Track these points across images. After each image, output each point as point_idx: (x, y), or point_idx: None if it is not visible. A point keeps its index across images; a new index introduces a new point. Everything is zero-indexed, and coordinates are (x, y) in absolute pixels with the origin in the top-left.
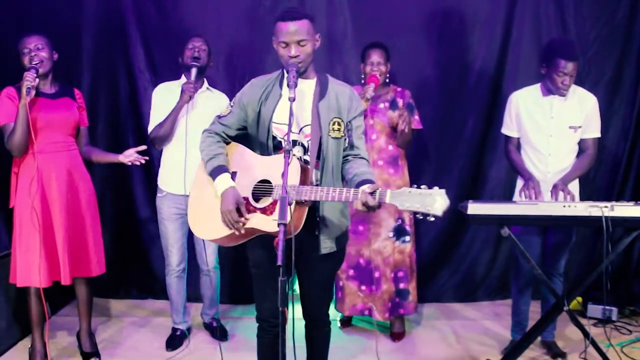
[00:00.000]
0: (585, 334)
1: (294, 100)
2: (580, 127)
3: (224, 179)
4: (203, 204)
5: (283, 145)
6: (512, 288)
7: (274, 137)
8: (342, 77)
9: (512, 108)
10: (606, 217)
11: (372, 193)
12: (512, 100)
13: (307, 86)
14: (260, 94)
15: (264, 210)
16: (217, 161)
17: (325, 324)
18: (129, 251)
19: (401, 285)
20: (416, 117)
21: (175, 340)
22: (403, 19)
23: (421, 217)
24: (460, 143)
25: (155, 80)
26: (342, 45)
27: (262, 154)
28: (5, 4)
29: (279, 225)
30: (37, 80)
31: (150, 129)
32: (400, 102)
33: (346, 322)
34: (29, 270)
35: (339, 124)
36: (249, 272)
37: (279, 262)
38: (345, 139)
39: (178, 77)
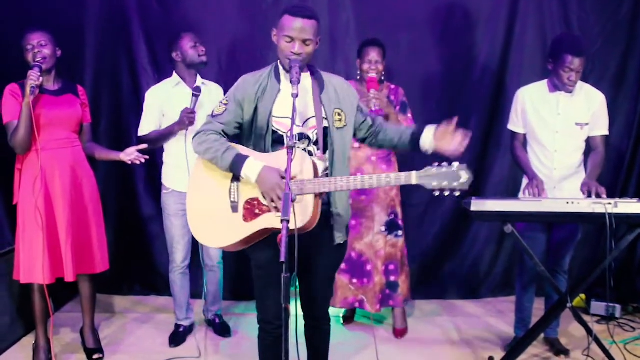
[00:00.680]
0: (589, 331)
1: (297, 96)
2: (587, 124)
3: (252, 164)
4: (206, 210)
5: (284, 139)
6: (516, 285)
7: (274, 132)
8: (344, 73)
9: (519, 104)
10: (610, 214)
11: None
12: (519, 96)
13: (304, 79)
14: (256, 89)
15: (278, 208)
16: (234, 151)
17: (326, 322)
18: (132, 248)
19: (392, 278)
20: (409, 115)
21: (178, 337)
22: (406, 15)
23: (447, 194)
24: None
25: (158, 77)
26: (345, 41)
27: (259, 149)
28: (8, 0)
29: (282, 221)
30: (41, 79)
31: (140, 131)
32: (393, 99)
33: (349, 319)
34: (33, 266)
35: (339, 114)
36: (251, 268)
37: (282, 259)
38: (363, 120)
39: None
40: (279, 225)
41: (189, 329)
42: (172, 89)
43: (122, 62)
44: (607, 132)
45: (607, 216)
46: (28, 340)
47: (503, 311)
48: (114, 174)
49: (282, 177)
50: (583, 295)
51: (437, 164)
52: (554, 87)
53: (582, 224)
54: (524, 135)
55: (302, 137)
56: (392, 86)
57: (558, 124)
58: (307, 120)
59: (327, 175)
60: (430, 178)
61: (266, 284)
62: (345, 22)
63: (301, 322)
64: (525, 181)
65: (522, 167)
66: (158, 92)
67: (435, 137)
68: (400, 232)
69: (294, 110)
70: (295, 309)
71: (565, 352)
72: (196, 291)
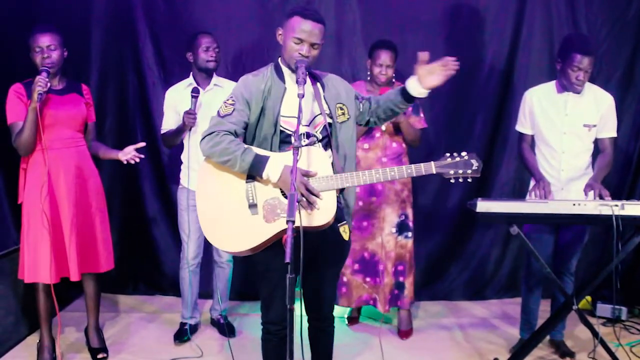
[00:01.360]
0: (595, 334)
1: (303, 96)
2: (594, 125)
3: (274, 164)
4: (222, 215)
5: (292, 138)
6: (522, 286)
7: (282, 132)
8: (350, 74)
9: (526, 105)
10: (616, 216)
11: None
12: (526, 97)
13: (307, 80)
14: (262, 88)
15: (310, 205)
16: (252, 152)
17: (330, 323)
18: (138, 247)
19: (400, 279)
20: (421, 115)
21: (182, 335)
22: (413, 16)
23: (461, 180)
24: (470, 140)
25: (164, 76)
26: (351, 41)
27: (265, 148)
28: None
29: (287, 222)
30: (49, 84)
31: (162, 129)
32: None
33: (354, 319)
34: (37, 266)
35: (342, 108)
36: (255, 270)
37: (287, 260)
38: (349, 119)
39: (187, 73)
40: (305, 223)
41: (194, 328)
42: (184, 90)
43: (128, 61)
44: (615, 134)
45: (613, 218)
46: (32, 340)
47: (508, 313)
48: (119, 173)
49: (304, 175)
50: (589, 298)
51: (448, 154)
52: (562, 88)
53: (588, 226)
54: (532, 136)
55: (309, 136)
56: None
57: (566, 124)
58: (313, 119)
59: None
60: (447, 167)
61: (274, 287)
62: (351, 23)
63: (305, 323)
64: (532, 183)
65: (529, 168)
66: (173, 93)
67: (421, 80)
68: (409, 234)
69: (300, 110)
70: (300, 310)
71: (571, 355)
72: (203, 291)
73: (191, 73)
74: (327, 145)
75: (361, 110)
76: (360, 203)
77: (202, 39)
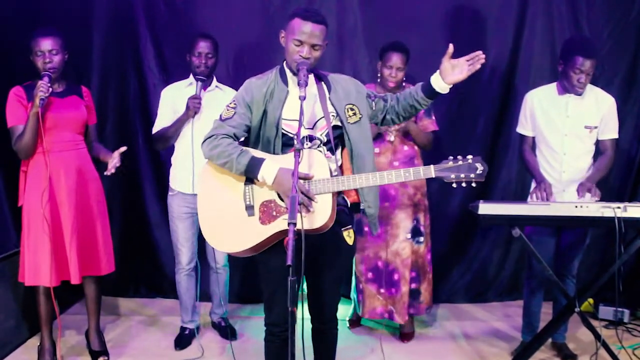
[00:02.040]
0: (597, 336)
1: (304, 98)
2: (596, 127)
3: (268, 166)
4: (220, 215)
5: (295, 142)
6: (524, 289)
7: (284, 134)
8: (352, 75)
9: (527, 107)
10: (619, 218)
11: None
12: (527, 99)
13: (311, 81)
14: (264, 91)
15: (305, 208)
16: (249, 154)
17: (334, 326)
18: (138, 250)
19: (413, 286)
20: (432, 118)
21: (183, 340)
22: (414, 17)
23: (464, 185)
24: (472, 142)
25: (165, 78)
26: (352, 43)
27: (267, 151)
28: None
29: (289, 224)
30: (51, 89)
31: (154, 129)
32: None
33: (355, 322)
34: (38, 269)
35: (352, 109)
36: (258, 272)
37: (289, 262)
38: (362, 119)
39: (188, 75)
40: (299, 226)
41: (195, 332)
42: (184, 89)
43: (129, 63)
44: (616, 136)
45: (616, 220)
46: (33, 342)
47: (510, 315)
48: (120, 176)
49: (299, 178)
50: (591, 300)
51: (452, 157)
52: (564, 90)
53: (590, 228)
54: (533, 138)
55: (312, 139)
56: None
57: (567, 126)
58: (316, 122)
59: (337, 175)
60: (448, 171)
61: (275, 288)
62: (353, 24)
63: (308, 326)
64: (533, 185)
65: (530, 170)
66: (171, 91)
67: (444, 75)
68: (422, 239)
69: (302, 112)
70: (302, 313)
71: (573, 357)
72: (202, 294)
73: (191, 73)
74: (335, 148)
75: (374, 109)
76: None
77: (198, 43)
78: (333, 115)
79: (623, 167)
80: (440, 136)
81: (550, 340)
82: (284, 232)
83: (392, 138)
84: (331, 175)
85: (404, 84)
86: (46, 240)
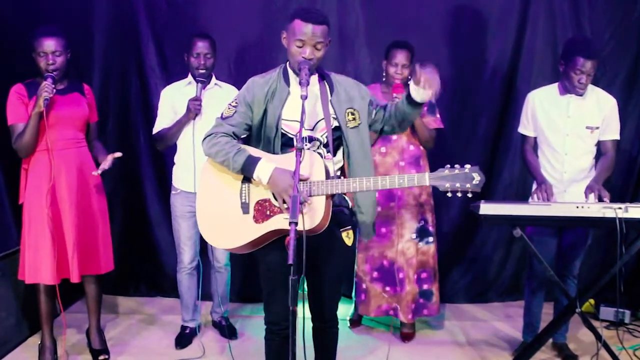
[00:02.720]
0: (598, 337)
1: (306, 98)
2: (597, 127)
3: (264, 165)
4: (216, 212)
5: (294, 142)
6: (525, 289)
7: (283, 134)
8: (354, 75)
9: (529, 107)
10: (620, 219)
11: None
12: (529, 100)
13: (313, 82)
14: (266, 91)
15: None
16: (245, 153)
17: (334, 325)
18: (139, 249)
19: (425, 287)
20: (437, 115)
21: (184, 339)
22: (416, 17)
23: (459, 195)
24: (473, 143)
25: (166, 77)
26: (354, 43)
27: (268, 152)
28: None
29: (290, 224)
30: (55, 90)
31: (154, 129)
32: None
33: (356, 322)
34: (38, 267)
35: (352, 114)
36: (258, 271)
37: (290, 261)
38: (361, 125)
39: (187, 75)
40: (299, 227)
41: (195, 331)
42: (183, 88)
43: (130, 62)
44: (617, 137)
45: (617, 221)
46: (33, 341)
47: (511, 316)
48: (121, 175)
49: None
50: (592, 301)
51: (448, 166)
52: (565, 90)
53: (591, 229)
54: (535, 138)
55: (312, 139)
56: None
57: (568, 126)
58: (317, 123)
59: (339, 177)
60: (443, 179)
61: (275, 286)
62: (354, 24)
63: (309, 324)
64: (535, 185)
65: (531, 171)
66: (170, 91)
67: (414, 94)
68: (431, 239)
69: (303, 112)
70: (303, 311)
71: (574, 358)
72: (203, 292)
73: (189, 73)
74: (336, 149)
75: (374, 117)
76: (379, 208)
77: (196, 43)
78: (333, 117)
79: (624, 168)
80: (441, 136)
81: (551, 340)
82: (277, 232)
83: (397, 137)
84: (329, 177)
85: (409, 82)
86: (47, 238)
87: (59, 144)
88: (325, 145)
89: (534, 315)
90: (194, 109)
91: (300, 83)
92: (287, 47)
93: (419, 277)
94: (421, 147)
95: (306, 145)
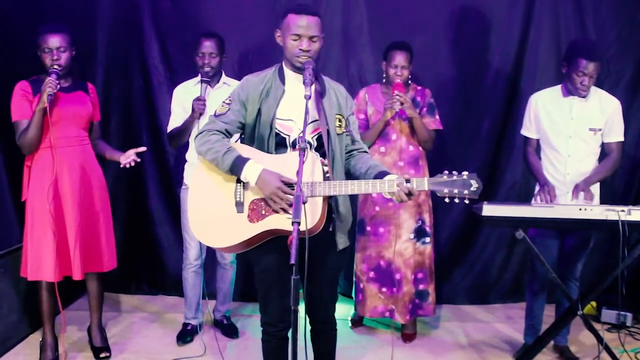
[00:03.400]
0: (599, 339)
1: (309, 98)
2: (600, 129)
3: (252, 166)
4: (210, 210)
5: (287, 142)
6: (526, 291)
7: (277, 134)
8: (357, 76)
9: (532, 109)
10: (623, 221)
11: (408, 181)
12: (532, 102)
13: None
14: (260, 90)
15: (285, 210)
16: (235, 153)
17: (332, 326)
18: (141, 246)
19: (421, 287)
20: (437, 117)
21: (185, 335)
22: (420, 18)
23: (457, 201)
24: (476, 144)
25: (170, 75)
26: (358, 43)
27: (261, 150)
28: None
29: (293, 223)
30: (59, 86)
31: (168, 128)
32: (420, 101)
33: (357, 322)
34: (41, 264)
35: (340, 121)
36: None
37: (292, 261)
38: (346, 135)
39: (193, 73)
40: (285, 227)
41: (197, 329)
42: (192, 87)
43: (134, 60)
44: (622, 138)
45: (620, 223)
46: (35, 338)
47: (513, 317)
48: (124, 173)
49: (283, 181)
50: (594, 303)
51: (447, 172)
52: (568, 92)
53: (594, 231)
54: (537, 140)
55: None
56: (419, 88)
57: (571, 128)
58: (309, 125)
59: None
60: (442, 185)
61: (271, 287)
62: (358, 24)
63: (308, 325)
64: (537, 187)
65: (533, 173)
66: (181, 90)
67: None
68: (427, 239)
69: (307, 112)
70: (305, 312)
71: None
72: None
73: (199, 72)
74: (323, 154)
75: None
76: (377, 208)
77: (202, 42)
78: (325, 122)
79: (627, 171)
80: (444, 137)
81: (552, 343)
82: (271, 232)
83: (397, 136)
84: (326, 179)
85: (409, 81)
86: (50, 235)
87: (62, 141)
88: (317, 148)
89: (535, 317)
90: (197, 109)
91: (304, 83)
92: (283, 44)
93: (415, 278)
94: (420, 148)
95: (299, 144)
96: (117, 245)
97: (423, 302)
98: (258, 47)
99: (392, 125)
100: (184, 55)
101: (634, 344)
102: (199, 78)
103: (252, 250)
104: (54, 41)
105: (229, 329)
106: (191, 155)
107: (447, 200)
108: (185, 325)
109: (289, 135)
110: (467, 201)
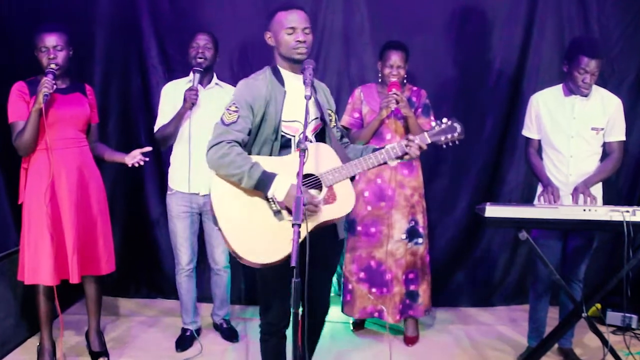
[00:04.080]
0: (604, 342)
1: (310, 98)
2: (602, 129)
3: (280, 182)
4: (246, 225)
5: (292, 142)
6: (530, 293)
7: (282, 136)
8: (358, 75)
9: (533, 109)
10: (627, 222)
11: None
12: (533, 102)
13: (298, 81)
14: (264, 93)
15: (326, 201)
16: (260, 168)
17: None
18: (139, 250)
19: (411, 287)
20: (432, 118)
21: (184, 341)
22: (422, 17)
23: (451, 145)
24: (479, 145)
25: (168, 75)
26: (359, 42)
27: (264, 154)
28: None
29: (293, 225)
30: (55, 86)
31: (155, 127)
32: (415, 101)
33: (359, 325)
34: (38, 267)
35: (330, 115)
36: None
37: (293, 263)
38: (337, 130)
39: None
40: (335, 215)
41: (196, 333)
42: (184, 85)
43: (132, 61)
44: (623, 138)
45: (624, 224)
46: (32, 342)
47: (516, 320)
48: (122, 175)
49: (312, 204)
50: (599, 305)
51: (434, 123)
52: (569, 91)
53: (597, 232)
54: (539, 141)
55: (306, 139)
56: (414, 88)
57: (573, 128)
58: (309, 122)
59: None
60: (438, 135)
61: (273, 288)
62: (359, 23)
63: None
64: (540, 188)
65: (536, 173)
66: (172, 88)
67: None
68: (420, 240)
69: (307, 112)
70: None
71: None
72: (203, 295)
73: (191, 71)
74: None
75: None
76: (369, 208)
77: (197, 36)
78: (320, 117)
79: (632, 171)
80: None
81: (556, 345)
82: (318, 226)
83: (392, 136)
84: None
85: (405, 81)
86: (47, 238)
87: (59, 143)
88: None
89: (539, 319)
90: (189, 99)
91: (304, 82)
92: (276, 42)
93: (406, 278)
94: None
95: (302, 144)
96: (115, 248)
97: (414, 302)
98: (256, 47)
99: (386, 124)
100: (182, 55)
101: (639, 346)
102: (191, 76)
103: None
104: (51, 40)
105: (229, 333)
106: (175, 158)
107: (444, 147)
108: (184, 330)
109: (294, 136)
110: (457, 142)
